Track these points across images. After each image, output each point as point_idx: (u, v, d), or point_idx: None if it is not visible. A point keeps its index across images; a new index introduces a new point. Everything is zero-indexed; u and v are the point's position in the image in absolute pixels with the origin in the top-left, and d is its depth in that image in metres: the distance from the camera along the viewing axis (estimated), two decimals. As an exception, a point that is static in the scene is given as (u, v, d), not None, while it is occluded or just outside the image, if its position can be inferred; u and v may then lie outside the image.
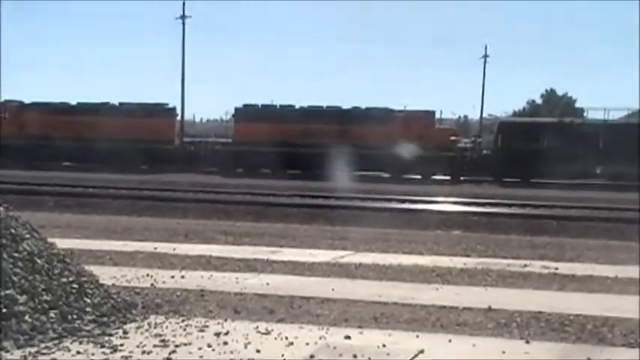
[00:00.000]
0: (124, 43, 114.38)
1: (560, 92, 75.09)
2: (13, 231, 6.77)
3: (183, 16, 59.94)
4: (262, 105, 44.53)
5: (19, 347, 5.59)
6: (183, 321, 6.78)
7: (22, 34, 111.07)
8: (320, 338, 6.33)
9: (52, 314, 6.16)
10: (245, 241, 12.93)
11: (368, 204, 23.05)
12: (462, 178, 39.74)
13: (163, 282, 8.73)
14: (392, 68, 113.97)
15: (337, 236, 13.94)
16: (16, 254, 6.48)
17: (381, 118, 41.03)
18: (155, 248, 11.44)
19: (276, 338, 6.30)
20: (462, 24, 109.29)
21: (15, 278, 6.20)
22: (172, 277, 9.12)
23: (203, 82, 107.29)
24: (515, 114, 69.69)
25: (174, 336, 6.23)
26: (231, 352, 5.81)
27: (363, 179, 36.20)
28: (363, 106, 42.67)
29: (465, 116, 75.94)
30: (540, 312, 7.52)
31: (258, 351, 5.87)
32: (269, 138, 39.97)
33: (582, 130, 39.74)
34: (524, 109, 73.83)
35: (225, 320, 6.86)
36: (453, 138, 42.98)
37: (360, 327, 6.83)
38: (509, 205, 23.46)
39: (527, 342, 6.46)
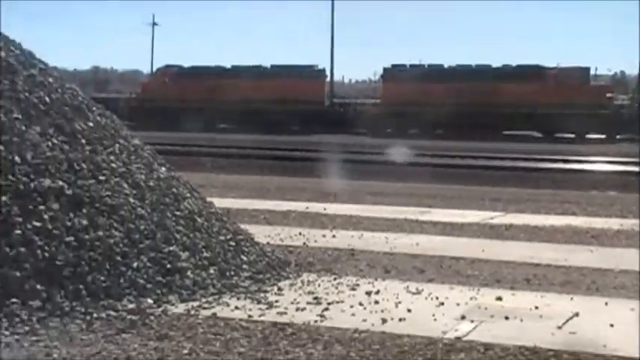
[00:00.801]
0: (274, 6, 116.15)
1: None
2: (175, 190, 7.11)
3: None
4: (410, 65, 44.22)
5: (182, 301, 5.90)
6: (334, 279, 6.94)
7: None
8: (471, 299, 6.34)
9: (211, 270, 6.46)
10: (394, 201, 12.99)
11: (518, 164, 22.59)
12: (618, 136, 38.19)
13: (315, 241, 8.93)
14: (545, 24, 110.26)
15: (487, 197, 13.78)
16: (178, 212, 6.81)
17: (532, 76, 39.91)
18: (307, 208, 11.69)
19: (426, 298, 6.35)
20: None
21: (177, 235, 6.53)
22: (324, 236, 9.32)
23: (352, 43, 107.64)
24: (677, 69, 66.00)
25: (327, 294, 6.40)
26: (382, 311, 5.90)
27: (513, 139, 35.48)
28: (514, 64, 41.65)
29: (622, 72, 72.69)
30: (703, 275, 7.22)
31: (409, 310, 5.94)
32: (418, 98, 39.74)
33: None
34: (687, 63, 69.86)
35: (376, 279, 6.98)
36: (608, 95, 41.30)
37: (511, 288, 6.78)
38: (670, 164, 22.38)
39: (689, 307, 6.23)
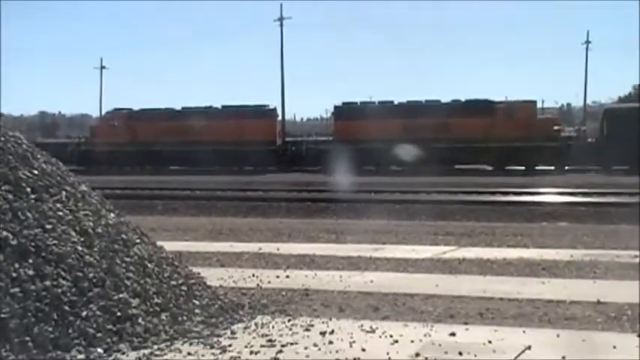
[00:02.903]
0: (224, 47, 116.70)
1: (668, 75, 72.40)
2: (124, 236, 7.02)
3: (281, 18, 60.86)
4: (361, 102, 44.60)
5: (133, 349, 5.79)
6: (289, 320, 6.88)
7: (119, 42, 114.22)
8: (425, 335, 6.33)
9: (163, 316, 6.36)
10: (347, 239, 13.00)
11: (471, 197, 22.79)
12: (566, 167, 38.83)
13: (269, 282, 8.88)
14: (492, 58, 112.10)
15: (440, 231, 13.86)
16: (127, 259, 6.72)
17: (481, 110, 40.54)
18: (260, 248, 11.63)
19: (380, 336, 6.33)
20: (562, 10, 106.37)
21: (127, 282, 6.42)
22: (277, 276, 9.26)
23: (302, 82, 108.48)
24: (620, 100, 67.59)
25: (281, 335, 6.34)
26: (337, 352, 5.86)
27: (465, 173, 35.87)
28: (463, 99, 42.29)
29: (569, 104, 74.26)
30: (652, 304, 7.32)
31: (363, 350, 5.91)
32: (369, 135, 40.00)
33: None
34: (630, 94, 71.60)
35: (330, 319, 6.93)
36: (556, 127, 42.05)
37: (465, 323, 6.80)
38: (618, 194, 22.78)
39: (640, 336, 6.30)
